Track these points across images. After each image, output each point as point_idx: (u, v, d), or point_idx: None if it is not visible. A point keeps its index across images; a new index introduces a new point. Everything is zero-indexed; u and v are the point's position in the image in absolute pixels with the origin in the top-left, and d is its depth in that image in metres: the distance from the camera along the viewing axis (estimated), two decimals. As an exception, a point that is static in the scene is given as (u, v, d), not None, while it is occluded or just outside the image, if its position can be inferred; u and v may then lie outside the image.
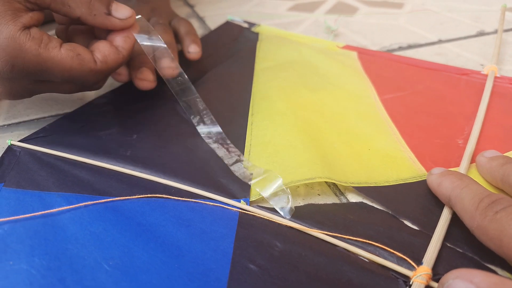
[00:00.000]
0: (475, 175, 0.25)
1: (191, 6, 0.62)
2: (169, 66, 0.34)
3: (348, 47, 0.43)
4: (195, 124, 0.30)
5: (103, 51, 0.27)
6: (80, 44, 0.27)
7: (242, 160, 0.27)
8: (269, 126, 0.30)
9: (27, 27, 0.25)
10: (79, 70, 0.26)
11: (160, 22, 0.39)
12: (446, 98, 0.34)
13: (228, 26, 0.49)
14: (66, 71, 0.26)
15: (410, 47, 0.45)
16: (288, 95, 0.34)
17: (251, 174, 0.25)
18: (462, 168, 0.26)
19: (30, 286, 0.19)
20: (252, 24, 0.50)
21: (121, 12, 0.28)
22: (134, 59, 0.34)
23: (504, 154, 0.26)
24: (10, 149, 0.29)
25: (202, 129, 0.30)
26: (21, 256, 0.20)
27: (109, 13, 0.27)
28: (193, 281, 0.19)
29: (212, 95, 0.35)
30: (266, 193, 0.24)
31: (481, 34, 0.47)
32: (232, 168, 0.26)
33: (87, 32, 0.30)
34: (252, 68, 0.39)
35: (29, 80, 0.26)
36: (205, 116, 0.30)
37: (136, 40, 0.29)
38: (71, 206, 0.23)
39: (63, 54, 0.25)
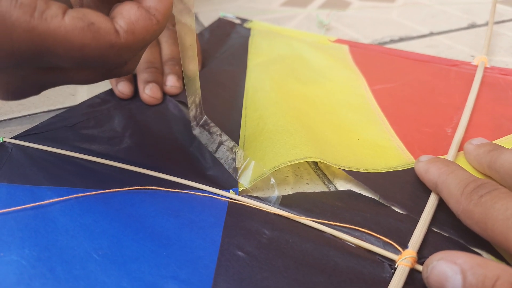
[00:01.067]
0: (462, 162, 0.26)
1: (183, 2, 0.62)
2: (175, 86, 0.35)
3: (339, 41, 0.43)
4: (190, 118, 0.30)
5: (127, 17, 0.19)
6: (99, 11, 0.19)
7: (224, 140, 0.27)
8: (262, 115, 0.30)
9: None
10: (94, 46, 0.18)
11: (170, 27, 0.38)
12: (436, 89, 0.34)
13: (221, 23, 0.50)
14: (76, 50, 0.18)
15: (401, 39, 0.45)
16: (280, 87, 0.34)
17: (233, 158, 0.25)
18: (450, 156, 0.26)
19: (20, 276, 0.19)
20: (244, 20, 0.50)
21: None
22: (142, 72, 0.35)
23: (492, 142, 0.26)
24: (2, 145, 0.29)
25: (190, 113, 0.29)
26: (12, 248, 0.20)
27: None
28: (182, 269, 0.19)
29: (206, 91, 0.35)
30: (250, 184, 0.24)
31: (472, 26, 0.48)
32: (216, 155, 0.27)
33: None
34: (245, 64, 0.40)
35: (28, 68, 0.19)
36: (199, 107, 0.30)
37: (172, 2, 0.21)
38: (61, 198, 0.23)
39: (68, 24, 0.17)
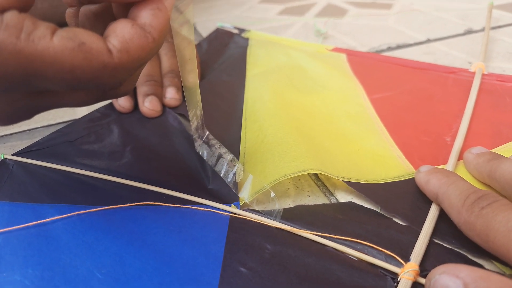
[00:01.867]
0: (462, 171, 0.26)
1: (182, 12, 0.63)
2: (174, 98, 0.35)
3: (337, 49, 0.43)
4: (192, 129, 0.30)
5: (121, 35, 0.18)
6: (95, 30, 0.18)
7: (223, 153, 0.27)
8: (261, 127, 0.30)
9: None
10: (86, 67, 0.17)
11: (169, 40, 0.39)
12: (434, 97, 0.34)
13: (219, 33, 0.50)
14: (67, 72, 0.17)
15: (399, 47, 0.45)
16: (279, 97, 0.34)
17: (233, 172, 0.25)
18: (449, 165, 0.26)
19: (23, 296, 0.19)
20: (242, 30, 0.50)
21: None
22: (141, 85, 0.35)
23: (492, 150, 0.27)
24: (3, 162, 0.29)
25: (191, 126, 0.29)
26: (15, 268, 0.20)
27: None
28: (184, 286, 0.19)
29: (205, 103, 0.35)
30: (251, 199, 0.24)
31: (468, 32, 0.48)
32: (216, 169, 0.27)
33: (105, 14, 0.21)
34: (243, 74, 0.40)
35: (18, 93, 0.18)
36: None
37: (169, 18, 0.20)
38: (63, 216, 0.23)
39: (57, 45, 0.16)
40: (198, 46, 0.47)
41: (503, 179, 0.22)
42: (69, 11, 0.22)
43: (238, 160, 0.27)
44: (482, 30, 0.48)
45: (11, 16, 0.16)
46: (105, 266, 0.20)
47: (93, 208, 0.24)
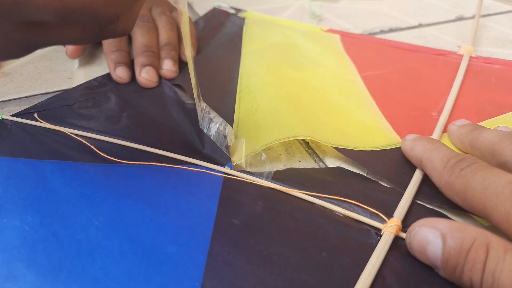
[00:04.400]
0: (446, 142, 0.27)
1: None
2: (171, 70, 0.35)
3: (331, 31, 0.44)
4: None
5: None
6: None
7: (213, 117, 0.27)
8: (255, 98, 0.31)
9: None
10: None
11: (167, 13, 0.39)
12: (423, 76, 0.35)
13: (215, 12, 0.50)
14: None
15: (391, 30, 0.46)
16: (273, 72, 0.35)
17: (224, 135, 0.26)
18: (434, 136, 0.27)
19: (24, 240, 0.20)
20: (238, 10, 0.51)
21: None
22: (139, 56, 0.35)
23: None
24: (2, 122, 0.29)
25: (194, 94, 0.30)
26: (15, 215, 0.21)
27: None
28: (180, 234, 0.20)
29: (201, 76, 0.36)
30: (243, 160, 0.25)
31: (459, 19, 0.49)
32: (208, 133, 0.27)
33: None
34: (239, 51, 0.41)
35: (9, 23, 0.17)
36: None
37: None
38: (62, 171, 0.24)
39: None
40: (195, 24, 0.47)
41: (483, 146, 0.24)
42: None
43: (232, 127, 0.28)
44: (473, 17, 0.49)
45: None
46: (103, 215, 0.21)
47: (91, 162, 0.25)
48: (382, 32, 0.46)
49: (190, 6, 0.57)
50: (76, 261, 0.19)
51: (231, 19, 0.49)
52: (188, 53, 0.25)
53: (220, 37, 0.44)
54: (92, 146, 0.27)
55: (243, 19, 0.48)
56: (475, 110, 0.31)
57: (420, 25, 0.47)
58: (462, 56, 0.38)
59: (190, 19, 0.43)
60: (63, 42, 0.19)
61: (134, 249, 0.19)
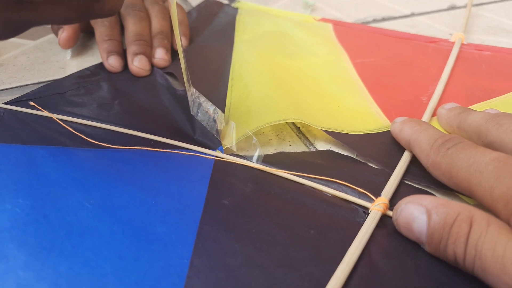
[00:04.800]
0: (435, 125, 0.27)
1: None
2: (163, 58, 0.36)
3: (324, 20, 0.45)
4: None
5: None
6: None
7: (203, 101, 0.27)
8: (247, 84, 0.31)
9: None
10: None
11: (160, 3, 0.39)
12: (414, 63, 0.36)
13: (208, 3, 0.50)
14: None
15: (384, 19, 0.46)
16: (265, 60, 0.35)
17: (214, 119, 0.26)
18: (424, 120, 0.28)
19: (15, 222, 0.20)
20: (232, 0, 0.51)
21: None
22: (131, 45, 0.35)
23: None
24: (-7, 110, 0.30)
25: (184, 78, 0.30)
26: (6, 198, 0.21)
27: None
28: (170, 215, 0.20)
29: (194, 64, 0.36)
30: (234, 143, 0.25)
31: (452, 8, 0.49)
32: (198, 118, 0.28)
33: None
34: (232, 40, 0.41)
35: None
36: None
37: None
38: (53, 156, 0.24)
39: None
40: (188, 15, 0.47)
41: (470, 128, 0.24)
42: None
43: (224, 113, 0.28)
44: (465, 6, 0.49)
45: None
46: (93, 198, 0.21)
47: (82, 147, 0.25)
48: (374, 21, 0.46)
49: (183, -2, 0.57)
50: (67, 242, 0.19)
51: (224, 10, 0.49)
52: (178, 38, 0.25)
53: (213, 27, 0.44)
54: (80, 134, 0.27)
55: (236, 9, 0.48)
56: (465, 95, 0.31)
57: (413, 14, 0.47)
58: (453, 43, 0.38)
59: (182, 8, 0.43)
60: (49, 22, 0.20)
61: (124, 229, 0.20)
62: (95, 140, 0.26)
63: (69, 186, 0.22)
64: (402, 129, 0.25)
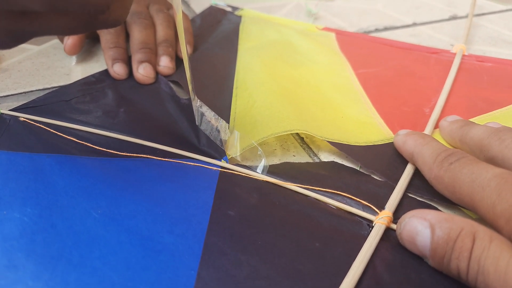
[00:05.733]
0: (438, 138, 0.28)
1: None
2: (168, 66, 0.36)
3: (326, 29, 0.45)
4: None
5: None
6: None
7: (205, 111, 0.28)
8: (252, 94, 0.31)
9: None
10: None
11: (164, 11, 0.40)
12: (416, 74, 0.36)
13: (212, 10, 0.51)
14: None
15: (386, 29, 0.47)
16: (269, 69, 0.35)
17: (218, 129, 0.27)
18: (426, 132, 0.28)
19: (23, 231, 0.20)
20: (235, 8, 0.51)
21: None
22: (136, 52, 0.36)
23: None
24: (0, 117, 0.30)
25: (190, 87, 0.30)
26: (14, 207, 0.21)
27: None
28: (177, 225, 0.21)
29: (198, 72, 0.36)
30: (239, 154, 0.26)
31: (453, 18, 0.50)
32: (201, 127, 0.28)
33: None
34: (236, 48, 0.41)
35: None
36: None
37: None
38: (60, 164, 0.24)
39: None
40: (192, 22, 0.48)
41: (472, 142, 0.24)
42: None
43: (228, 123, 0.29)
44: (466, 16, 0.50)
45: None
46: (100, 207, 0.22)
47: (89, 155, 0.25)
48: (377, 30, 0.46)
49: (187, 3, 0.57)
50: (75, 251, 0.19)
51: (228, 17, 0.49)
52: (183, 48, 0.25)
53: (217, 35, 0.44)
54: (86, 143, 0.27)
55: (240, 17, 0.49)
56: (466, 107, 0.31)
57: (415, 24, 0.48)
58: (455, 54, 0.39)
59: (187, 16, 0.43)
60: (53, 32, 0.19)
61: (131, 239, 0.20)
62: (101, 150, 0.26)
63: (76, 194, 0.22)
64: (406, 141, 0.25)
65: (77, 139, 0.27)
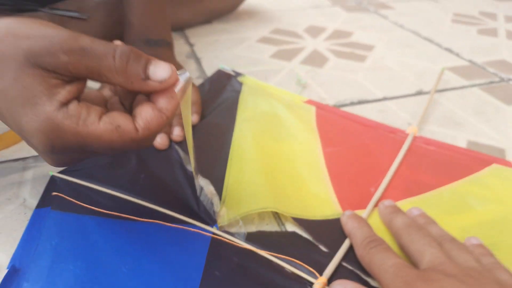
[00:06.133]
0: (376, 216, 0.37)
1: (191, 45, 0.74)
2: (179, 135, 0.46)
3: (309, 102, 0.55)
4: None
5: (145, 117, 0.26)
6: (125, 97, 0.28)
7: (203, 185, 0.37)
8: (242, 169, 0.41)
9: (64, 104, 0.24)
10: (119, 142, 0.25)
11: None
12: (373, 153, 0.46)
13: (219, 75, 0.61)
14: (107, 145, 0.25)
15: (359, 102, 0.56)
16: (257, 144, 0.45)
17: (212, 202, 0.37)
18: (367, 210, 0.38)
19: (76, 281, 0.30)
20: (238, 74, 0.61)
21: (160, 73, 0.26)
22: None
23: (397, 203, 0.38)
24: (52, 178, 0.40)
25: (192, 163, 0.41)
26: (68, 260, 0.31)
27: (146, 78, 0.26)
28: (180, 281, 0.31)
29: (201, 141, 0.46)
30: (225, 223, 0.36)
31: (419, 93, 0.59)
32: (201, 198, 0.38)
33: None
34: (234, 118, 0.51)
35: (73, 153, 0.26)
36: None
37: (179, 102, 0.27)
38: (100, 227, 0.35)
39: (102, 128, 0.25)
40: (201, 86, 0.58)
41: (393, 229, 0.34)
42: (110, 87, 0.32)
43: (222, 191, 0.39)
44: (429, 92, 0.59)
45: (73, 108, 0.25)
46: (127, 264, 0.32)
47: (118, 218, 0.35)
48: (351, 103, 0.56)
49: (199, 62, 0.67)
50: (111, 296, 0.29)
51: (232, 83, 0.59)
52: (189, 138, 0.35)
53: (220, 103, 0.54)
54: (113, 212, 0.37)
55: (241, 84, 0.59)
56: (403, 189, 0.41)
57: (384, 98, 0.58)
58: (407, 135, 0.48)
59: (196, 89, 0.53)
60: (107, 155, 0.31)
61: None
62: (128, 208, 0.36)
63: (111, 253, 0.32)
64: (347, 223, 0.35)
65: (110, 202, 0.37)
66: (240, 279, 0.31)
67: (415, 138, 0.48)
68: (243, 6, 0.95)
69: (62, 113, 0.24)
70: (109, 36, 0.67)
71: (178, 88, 0.27)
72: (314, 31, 0.83)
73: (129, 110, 0.29)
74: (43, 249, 0.32)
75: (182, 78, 0.28)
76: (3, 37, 0.24)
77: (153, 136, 0.27)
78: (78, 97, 0.26)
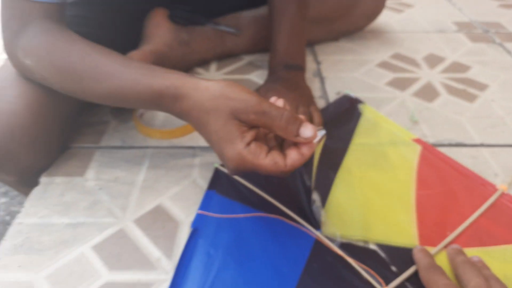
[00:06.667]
0: (442, 255, 0.49)
1: (318, 63, 0.86)
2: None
3: (417, 140, 0.64)
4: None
5: (293, 159, 0.40)
6: (280, 136, 0.43)
7: (314, 200, 0.53)
8: (344, 191, 0.55)
9: (248, 144, 0.39)
10: (274, 171, 0.39)
11: (305, 110, 0.64)
12: (460, 200, 0.55)
13: (343, 100, 0.73)
14: (266, 172, 0.40)
15: (457, 145, 0.64)
16: (360, 173, 0.58)
17: (320, 213, 0.52)
18: (437, 248, 0.49)
19: (233, 241, 0.48)
20: (359, 101, 0.72)
21: (307, 133, 0.40)
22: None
23: (465, 249, 0.49)
24: (216, 169, 0.59)
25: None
26: (227, 228, 0.50)
27: (297, 135, 0.40)
28: (284, 267, 0.47)
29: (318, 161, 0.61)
30: (327, 232, 0.51)
31: (518, 147, 0.64)
32: (313, 208, 0.53)
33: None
34: (348, 143, 0.64)
35: (245, 172, 0.41)
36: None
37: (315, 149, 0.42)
38: (247, 215, 0.52)
39: (267, 162, 0.39)
40: (325, 109, 0.71)
41: (454, 263, 0.45)
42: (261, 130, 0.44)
43: (324, 206, 0.54)
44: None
45: (253, 147, 0.40)
46: (259, 258, 0.49)
47: (256, 212, 0.53)
48: (449, 145, 0.64)
49: (323, 81, 0.80)
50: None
51: (353, 109, 0.71)
52: (315, 164, 0.50)
53: (340, 128, 0.67)
54: (253, 208, 0.54)
55: (360, 113, 0.70)
56: (476, 238, 0.50)
57: (481, 145, 0.64)
58: (496, 190, 0.56)
59: (319, 114, 0.67)
60: None
61: (270, 275, 0.47)
62: (262, 204, 0.54)
63: (252, 244, 0.50)
64: (417, 253, 0.47)
65: (253, 195, 0.55)
66: (330, 274, 0.46)
67: (502, 195, 0.56)
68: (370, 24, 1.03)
69: (247, 150, 0.39)
70: (255, 47, 0.83)
71: (316, 140, 0.41)
72: (433, 60, 0.88)
73: (280, 142, 0.44)
74: (211, 219, 0.51)
75: (320, 134, 0.43)
76: (219, 96, 0.41)
77: (293, 170, 0.41)
78: (256, 138, 0.41)
